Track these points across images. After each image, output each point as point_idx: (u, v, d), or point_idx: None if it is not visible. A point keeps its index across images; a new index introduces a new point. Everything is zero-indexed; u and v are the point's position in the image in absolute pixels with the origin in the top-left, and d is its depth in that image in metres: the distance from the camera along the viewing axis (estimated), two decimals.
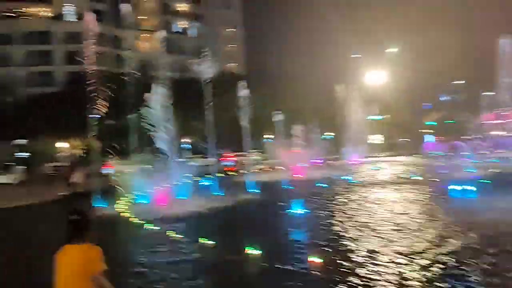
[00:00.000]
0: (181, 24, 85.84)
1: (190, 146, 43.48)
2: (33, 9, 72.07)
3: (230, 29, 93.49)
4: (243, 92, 24.51)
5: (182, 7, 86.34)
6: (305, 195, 19.09)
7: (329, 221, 13.19)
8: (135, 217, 15.28)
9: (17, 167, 31.45)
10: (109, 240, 10.12)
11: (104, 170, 26.59)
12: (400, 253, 8.93)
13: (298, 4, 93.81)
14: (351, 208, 15.46)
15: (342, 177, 26.13)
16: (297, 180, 26.68)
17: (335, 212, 14.70)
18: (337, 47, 75.80)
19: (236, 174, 34.03)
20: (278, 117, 33.78)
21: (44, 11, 72.15)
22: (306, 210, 14.94)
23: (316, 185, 22.60)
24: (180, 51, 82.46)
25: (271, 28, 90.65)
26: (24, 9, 71.56)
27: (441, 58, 65.75)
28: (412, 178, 23.70)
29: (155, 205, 18.41)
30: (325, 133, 56.03)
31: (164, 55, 25.77)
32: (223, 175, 30.92)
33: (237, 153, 47.27)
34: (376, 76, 66.46)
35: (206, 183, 25.73)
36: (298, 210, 14.86)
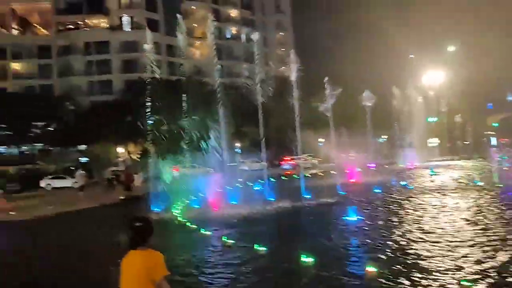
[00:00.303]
0: (233, 30, 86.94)
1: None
2: (91, 21, 75.50)
3: (281, 33, 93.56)
4: (295, 94, 24.20)
5: (234, 13, 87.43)
6: (360, 201, 18.59)
7: (385, 229, 12.67)
8: (188, 221, 15.44)
9: (78, 171, 32.85)
10: (163, 244, 10.23)
11: (174, 173, 27.35)
12: (461, 268, 8.33)
13: (351, 5, 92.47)
14: (408, 215, 14.79)
15: (399, 183, 25.23)
16: (352, 185, 26.08)
17: (391, 220, 14.12)
18: (392, 48, 73.82)
19: (287, 178, 33.79)
20: (329, 88, 30.90)
21: (102, 22, 75.36)
22: (361, 217, 14.47)
23: (372, 190, 21.93)
24: (232, 57, 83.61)
25: (322, 31, 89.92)
26: (84, 21, 75.07)
27: (503, 57, 62.35)
28: (475, 184, 22.44)
29: (208, 210, 18.57)
30: (380, 136, 54.61)
31: (216, 61, 26.06)
32: (275, 179, 30.77)
33: (293, 157, 47.12)
34: (435, 76, 63.85)
35: (259, 188, 25.72)
36: (352, 216, 14.41)
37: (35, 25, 77.87)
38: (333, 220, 14.98)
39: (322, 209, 17.89)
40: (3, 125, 54.14)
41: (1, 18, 73.58)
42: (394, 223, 13.44)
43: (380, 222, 13.84)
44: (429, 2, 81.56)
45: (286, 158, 51.52)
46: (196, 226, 14.42)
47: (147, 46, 23.74)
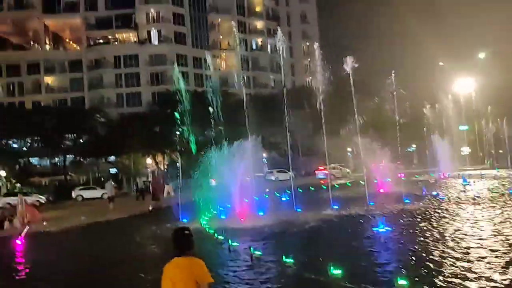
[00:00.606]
0: (258, 41, 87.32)
1: None
2: (121, 35, 77.24)
3: (306, 43, 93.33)
4: (321, 104, 23.93)
5: (259, 24, 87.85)
6: (389, 212, 18.18)
7: (415, 241, 12.29)
8: (216, 232, 15.38)
9: (107, 182, 33.40)
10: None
11: (211, 183, 27.45)
12: (495, 281, 7.94)
13: (380, 12, 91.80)
14: (440, 227, 14.34)
15: (430, 193, 24.59)
16: (381, 195, 25.57)
17: (422, 231, 13.72)
18: (421, 55, 72.77)
19: (314, 189, 33.42)
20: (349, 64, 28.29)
21: (131, 36, 76.97)
22: (390, 228, 14.10)
23: (402, 201, 21.43)
24: (258, 67, 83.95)
25: (350, 39, 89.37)
26: (113, 35, 76.85)
27: None
28: (510, 194, 21.63)
29: (236, 220, 18.49)
30: (410, 145, 53.57)
31: (243, 72, 26.13)
32: (303, 190, 30.51)
33: (325, 167, 46.79)
34: (466, 83, 62.38)
35: (286, 198, 25.51)
36: (381, 228, 14.06)
37: (66, 40, 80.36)
38: (361, 232, 14.68)
39: (350, 220, 17.56)
40: (37, 137, 55.79)
41: (35, 34, 76.23)
42: (423, 235, 13.04)
43: (409, 234, 13.48)
44: (459, 8, 79.96)
45: (320, 168, 51.32)
46: (223, 237, 14.35)
47: (173, 59, 24.04)
